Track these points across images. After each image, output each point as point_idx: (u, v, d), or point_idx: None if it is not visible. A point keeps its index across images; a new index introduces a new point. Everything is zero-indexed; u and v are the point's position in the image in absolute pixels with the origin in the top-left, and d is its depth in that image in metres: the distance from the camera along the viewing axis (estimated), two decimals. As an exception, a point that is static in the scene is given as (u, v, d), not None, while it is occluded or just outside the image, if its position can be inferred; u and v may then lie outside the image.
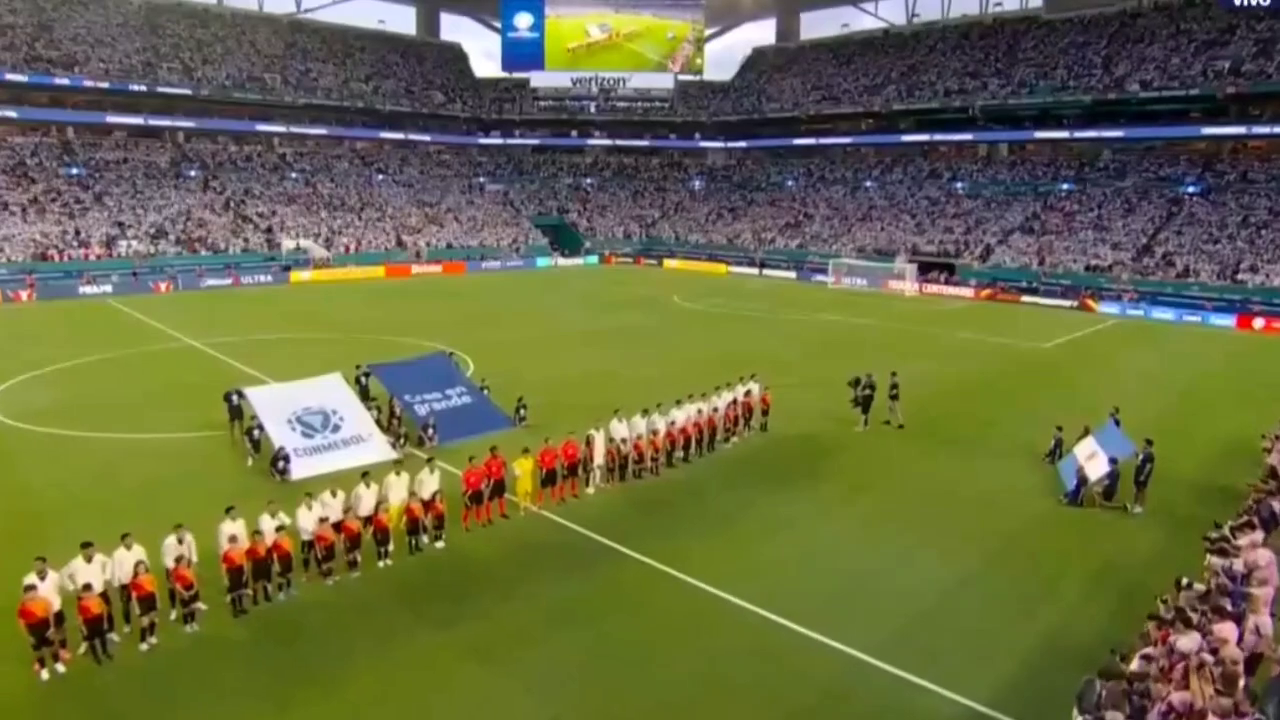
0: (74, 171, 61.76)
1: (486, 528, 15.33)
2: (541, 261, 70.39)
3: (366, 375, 22.29)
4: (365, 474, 14.41)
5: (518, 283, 57.09)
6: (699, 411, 19.15)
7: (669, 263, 70.64)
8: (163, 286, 49.07)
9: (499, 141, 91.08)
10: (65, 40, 65.54)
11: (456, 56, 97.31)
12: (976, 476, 18.60)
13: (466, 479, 15.01)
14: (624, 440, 17.41)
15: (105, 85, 64.12)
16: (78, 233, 53.34)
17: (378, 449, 19.39)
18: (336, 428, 19.77)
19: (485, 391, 22.80)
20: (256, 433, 18.95)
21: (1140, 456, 16.92)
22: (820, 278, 58.51)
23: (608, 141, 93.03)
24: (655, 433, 18.02)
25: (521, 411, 21.58)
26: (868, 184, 74.47)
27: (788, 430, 21.70)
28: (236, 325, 36.87)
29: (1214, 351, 35.73)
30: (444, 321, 38.92)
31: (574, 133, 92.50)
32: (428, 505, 14.30)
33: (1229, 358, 34.62)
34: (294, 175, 73.47)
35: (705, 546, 14.53)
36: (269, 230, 61.80)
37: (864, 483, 18.05)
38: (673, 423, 18.42)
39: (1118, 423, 19.71)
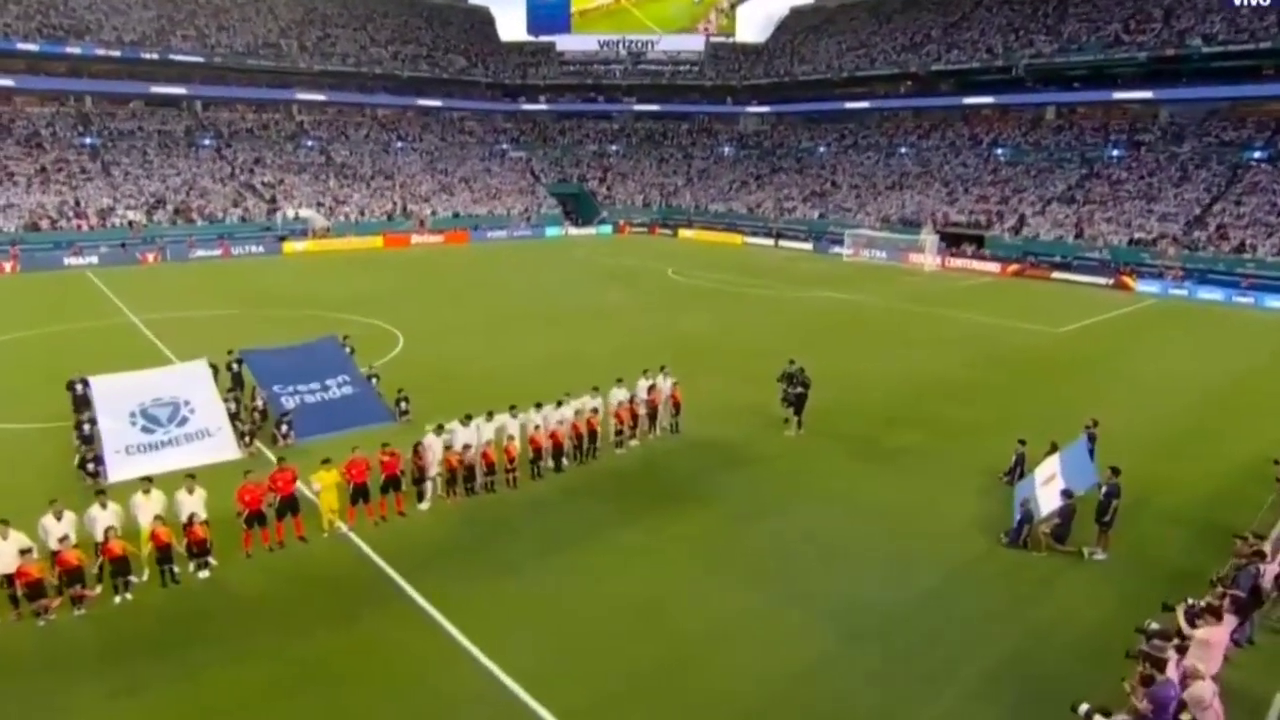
0: (88, 141, 61.48)
1: (274, 553, 13.03)
2: (551, 231, 67.89)
3: (239, 362, 20.23)
4: (101, 492, 12.24)
5: (515, 254, 54.72)
6: (576, 413, 16.46)
7: (684, 232, 67.43)
8: (150, 258, 48.15)
9: (525, 108, 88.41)
10: (80, 8, 65.00)
11: (483, 20, 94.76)
12: (909, 501, 15.42)
13: (240, 496, 12.71)
14: (467, 447, 14.85)
15: (116, 53, 63.39)
16: (77, 203, 52.88)
17: (222, 446, 17.29)
18: (184, 421, 17.71)
19: (374, 381, 20.53)
20: (87, 427, 17.01)
21: (1102, 490, 13.59)
22: (837, 250, 54.65)
23: (636, 107, 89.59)
24: (511, 438, 15.40)
25: (403, 405, 19.23)
26: (902, 150, 69.69)
27: (705, 432, 18.86)
28: (194, 300, 35.43)
29: (1264, 341, 31.17)
30: (408, 296, 36.83)
31: (600, 98, 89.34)
32: (188, 529, 12.06)
33: None
34: (309, 143, 72.30)
35: (512, 592, 11.95)
36: (272, 200, 60.63)
37: (761, 507, 15.08)
38: (537, 426, 15.76)
39: (1092, 439, 16.33)
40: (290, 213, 58.22)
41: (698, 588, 12.17)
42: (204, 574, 12.30)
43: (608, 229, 71.03)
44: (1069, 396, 22.49)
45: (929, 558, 13.27)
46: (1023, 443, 16.27)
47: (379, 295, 36.68)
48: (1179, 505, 15.58)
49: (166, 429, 17.43)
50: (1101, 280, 43.95)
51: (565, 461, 16.40)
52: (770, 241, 61.59)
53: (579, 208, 76.75)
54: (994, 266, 48.39)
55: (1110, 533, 13.42)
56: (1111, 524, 13.38)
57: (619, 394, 17.43)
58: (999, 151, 63.58)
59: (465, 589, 11.94)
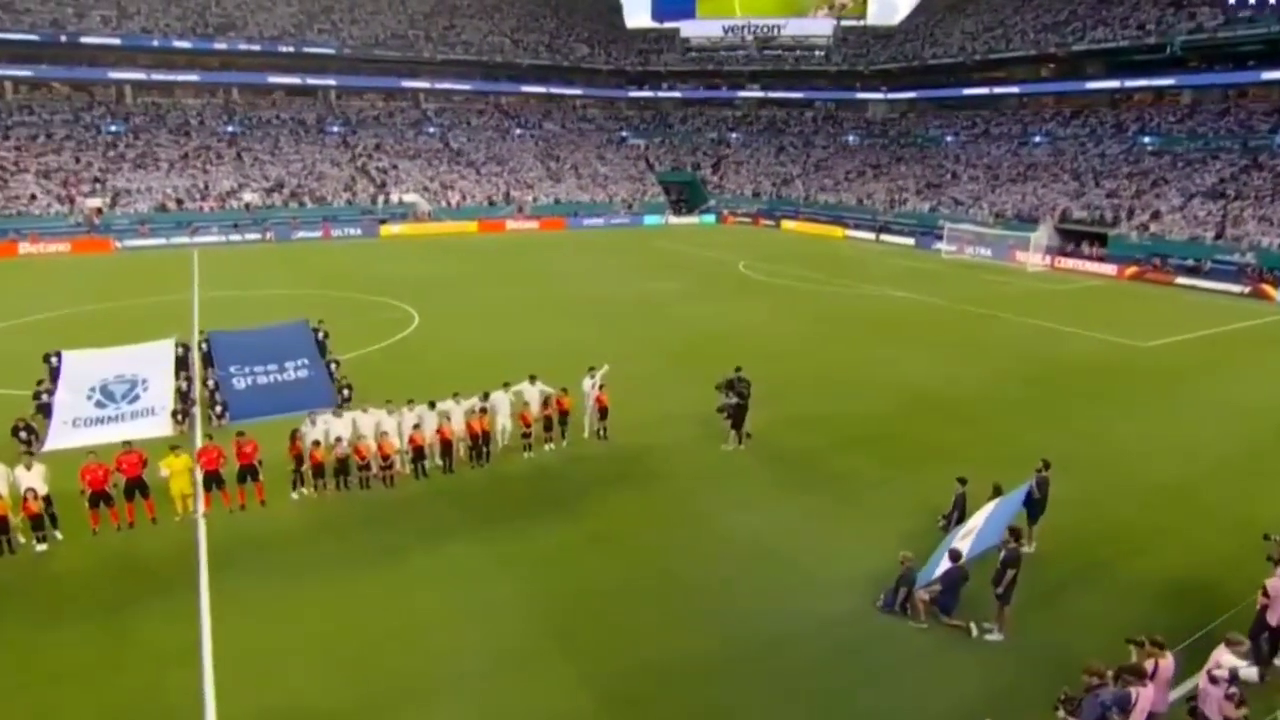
0: (230, 129, 66.74)
1: (121, 533, 13.22)
2: (650, 219, 67.17)
3: (207, 342, 20.90)
4: (-57, 465, 12.78)
5: (600, 240, 54.42)
6: (469, 413, 15.72)
7: (787, 224, 64.83)
8: (256, 238, 51.58)
9: (644, 94, 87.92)
10: (230, 7, 70.52)
11: (610, 7, 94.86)
12: (811, 540, 13.43)
13: (82, 476, 12.95)
14: (339, 440, 14.50)
15: (257, 48, 68.22)
16: (205, 186, 57.57)
17: (160, 424, 17.78)
18: (136, 398, 18.32)
19: (334, 366, 20.67)
20: (45, 397, 18.03)
21: (1002, 555, 11.03)
22: (938, 245, 50.58)
23: (759, 94, 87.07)
24: (385, 434, 14.89)
25: (345, 392, 19.19)
26: (1037, 139, 63.64)
27: (640, 439, 17.60)
28: (266, 280, 37.49)
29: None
30: (458, 281, 37.42)
31: (723, 85, 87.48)
32: (24, 504, 12.43)
33: None
34: (431, 130, 75.25)
35: (294, 600, 11.31)
36: (382, 184, 63.52)
37: (629, 531, 13.59)
38: (417, 425, 15.16)
39: (1043, 485, 13.47)
40: (395, 197, 60.79)
41: (483, 618, 11.02)
42: (41, 547, 12.65)
43: (710, 219, 69.56)
44: (1094, 424, 19.38)
45: (784, 614, 11.35)
46: (963, 482, 13.76)
47: (432, 279, 37.46)
48: (1156, 577, 12.59)
49: (118, 405, 18.12)
50: (1235, 288, 38.03)
51: (459, 460, 15.69)
52: (873, 236, 57.97)
53: (690, 196, 75.65)
54: (1110, 268, 43.06)
55: (1008, 608, 10.94)
56: (1007, 597, 10.90)
57: (503, 396, 16.46)
58: (1146, 140, 56.63)
59: (257, 590, 11.56)
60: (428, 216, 59.98)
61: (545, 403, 16.66)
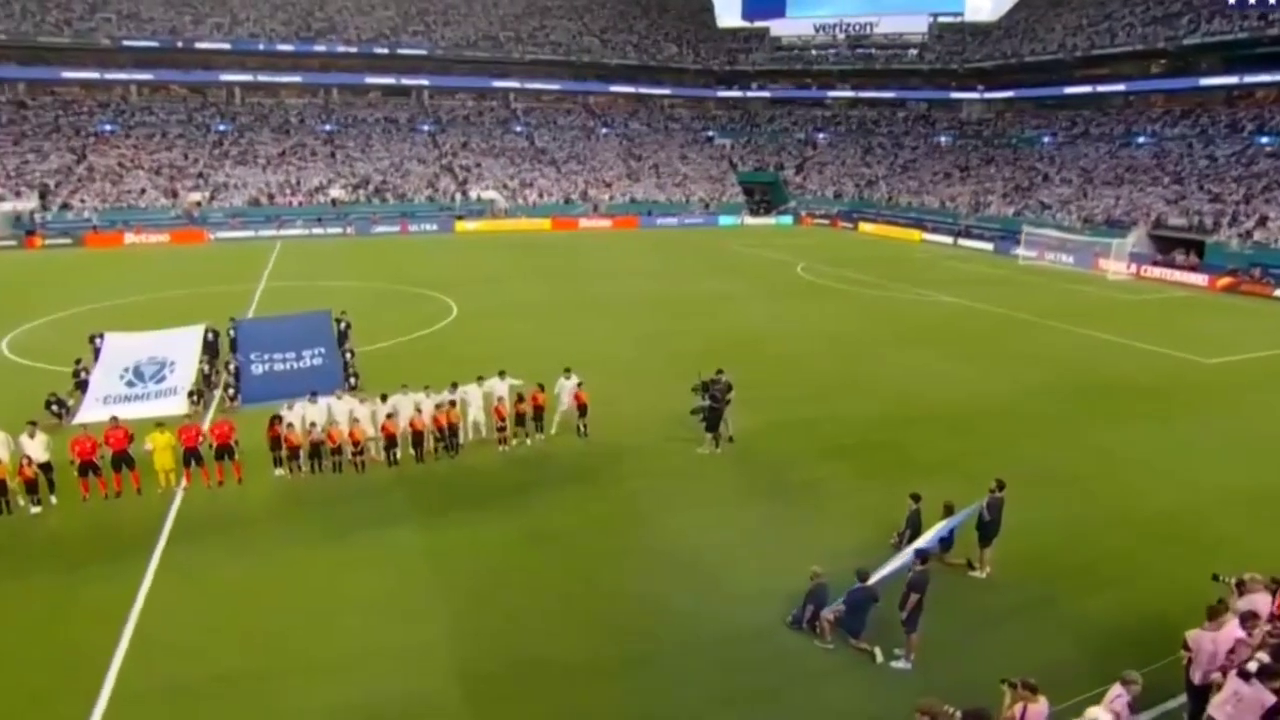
0: (326, 128, 70.36)
1: (109, 501, 14.36)
2: (726, 220, 66.71)
3: (235, 329, 22.28)
4: (-47, 434, 14.16)
5: (668, 240, 54.42)
6: (438, 406, 16.18)
7: (865, 226, 63.19)
8: (337, 232, 54.20)
9: (736, 94, 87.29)
10: (331, 11, 74.28)
11: (701, 7, 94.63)
12: (749, 551, 13.06)
13: (72, 447, 14.09)
14: (313, 425, 15.24)
15: (354, 50, 71.58)
16: (297, 182, 60.91)
17: (178, 403, 19.16)
18: (162, 379, 19.84)
19: (350, 356, 21.69)
20: (83, 374, 19.66)
21: (909, 577, 10.47)
22: (1017, 251, 48.24)
23: (849, 94, 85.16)
24: (357, 421, 15.54)
25: (352, 380, 20.12)
26: (1140, 140, 59.76)
27: (619, 439, 17.67)
28: (332, 272, 39.37)
29: None
30: (511, 277, 38.30)
31: (814, 85, 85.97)
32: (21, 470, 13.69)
33: None
34: (518, 129, 77.05)
35: (222, 575, 11.97)
36: (464, 181, 65.57)
37: (563, 528, 13.60)
38: (390, 414, 15.73)
39: (993, 505, 12.51)
40: (474, 194, 62.65)
41: (394, 605, 11.32)
42: (35, 510, 13.88)
43: (788, 220, 68.56)
44: (1113, 442, 18.15)
45: (689, 624, 11.06)
46: (916, 498, 13.07)
47: (487, 275, 38.61)
48: (1113, 615, 11.44)
49: (145, 385, 19.62)
50: (1343, 303, 34.75)
51: (429, 450, 16.23)
52: (951, 240, 55.79)
53: (773, 196, 74.83)
54: (1200, 278, 40.02)
55: (915, 635, 10.36)
56: (912, 624, 10.32)
57: (475, 390, 16.83)
58: (1263, 140, 52.23)
59: (202, 561, 12.31)
60: (504, 213, 61.54)
61: (520, 398, 16.96)
